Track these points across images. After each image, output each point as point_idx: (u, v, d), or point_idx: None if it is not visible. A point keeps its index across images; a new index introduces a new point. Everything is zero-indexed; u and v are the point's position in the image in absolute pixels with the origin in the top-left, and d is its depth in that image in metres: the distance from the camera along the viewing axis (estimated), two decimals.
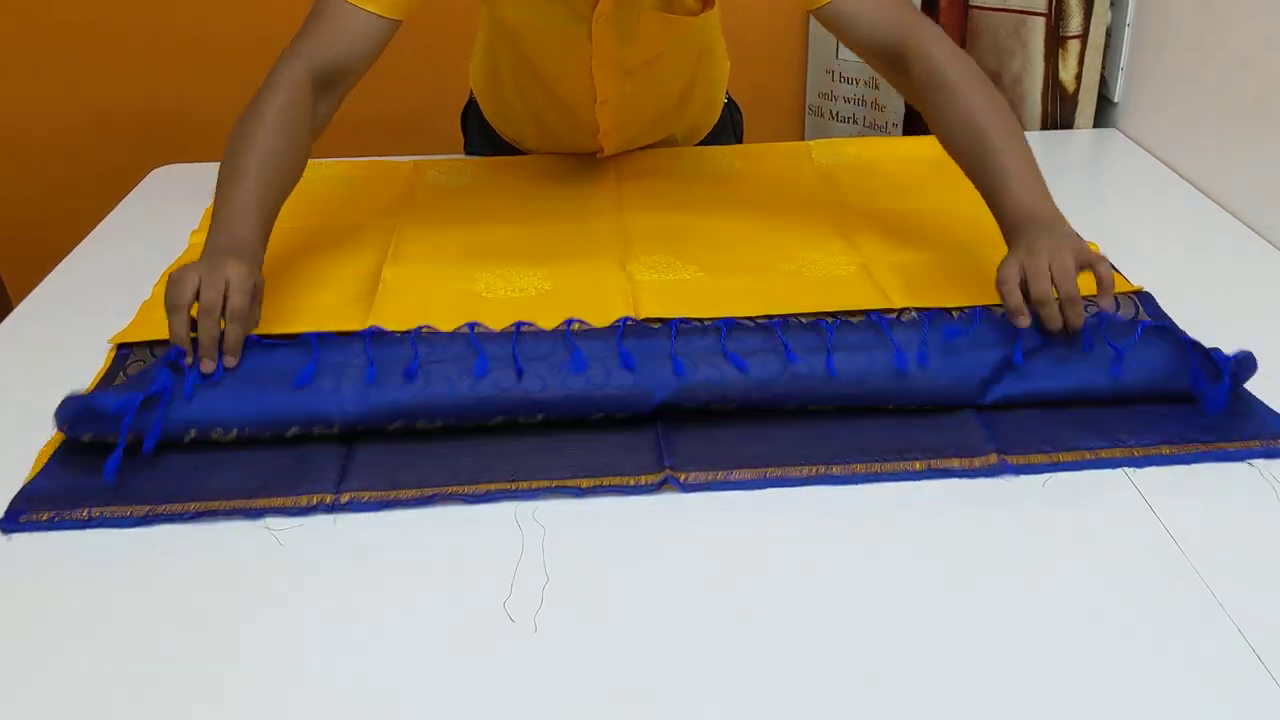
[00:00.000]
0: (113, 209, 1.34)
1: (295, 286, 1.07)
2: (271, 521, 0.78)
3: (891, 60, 1.05)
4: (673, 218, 1.22)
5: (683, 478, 0.81)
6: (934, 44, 1.02)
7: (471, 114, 1.46)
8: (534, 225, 1.21)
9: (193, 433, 0.84)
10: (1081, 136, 1.50)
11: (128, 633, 0.69)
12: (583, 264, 1.11)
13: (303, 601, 0.71)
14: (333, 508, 0.79)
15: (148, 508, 0.79)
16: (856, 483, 0.81)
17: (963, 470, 0.81)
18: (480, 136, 1.44)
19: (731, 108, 1.46)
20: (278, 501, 0.79)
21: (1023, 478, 0.81)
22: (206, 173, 1.36)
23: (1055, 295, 0.86)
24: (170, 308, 0.86)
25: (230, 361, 0.86)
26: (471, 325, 0.95)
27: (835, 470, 0.81)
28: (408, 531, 0.77)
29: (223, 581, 0.73)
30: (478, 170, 1.36)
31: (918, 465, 0.82)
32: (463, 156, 1.41)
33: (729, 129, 1.46)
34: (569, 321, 0.94)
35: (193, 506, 0.79)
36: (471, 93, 1.44)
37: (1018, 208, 0.94)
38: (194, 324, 0.86)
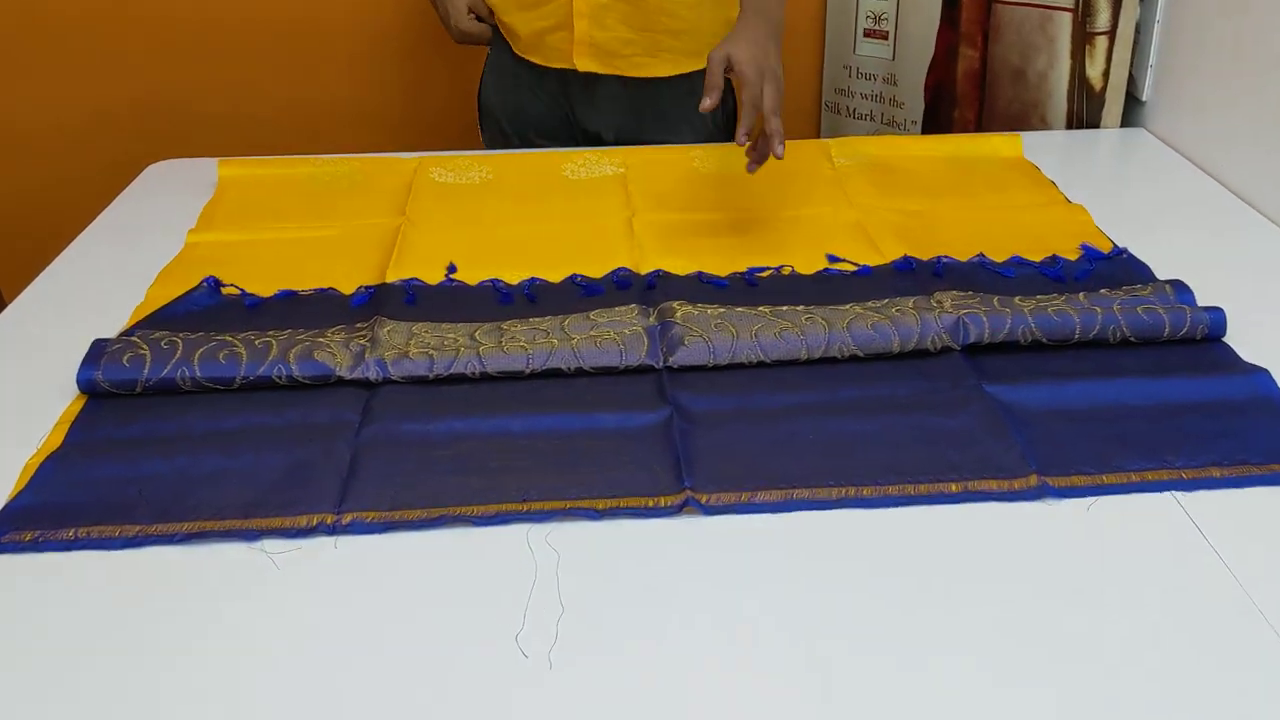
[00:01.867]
0: (107, 205, 1.29)
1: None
2: (268, 544, 0.73)
3: None
4: (685, 217, 1.18)
5: (704, 499, 0.76)
6: None
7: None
8: (541, 225, 1.17)
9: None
10: (1108, 136, 1.45)
11: (114, 663, 0.64)
12: (592, 268, 1.07)
13: (300, 633, 0.66)
14: (334, 529, 0.74)
15: (138, 528, 0.74)
16: (889, 505, 0.76)
17: (1001, 493, 0.77)
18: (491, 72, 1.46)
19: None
20: (275, 522, 0.75)
21: (1065, 501, 0.76)
22: (204, 168, 1.33)
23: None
24: None
25: None
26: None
27: (866, 492, 0.77)
28: (412, 556, 0.73)
29: (216, 608, 0.68)
30: (484, 167, 1.31)
31: (954, 487, 0.77)
32: (468, 153, 1.36)
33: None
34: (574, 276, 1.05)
35: (185, 527, 0.74)
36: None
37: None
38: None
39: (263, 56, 1.90)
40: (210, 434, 0.83)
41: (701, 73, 1.36)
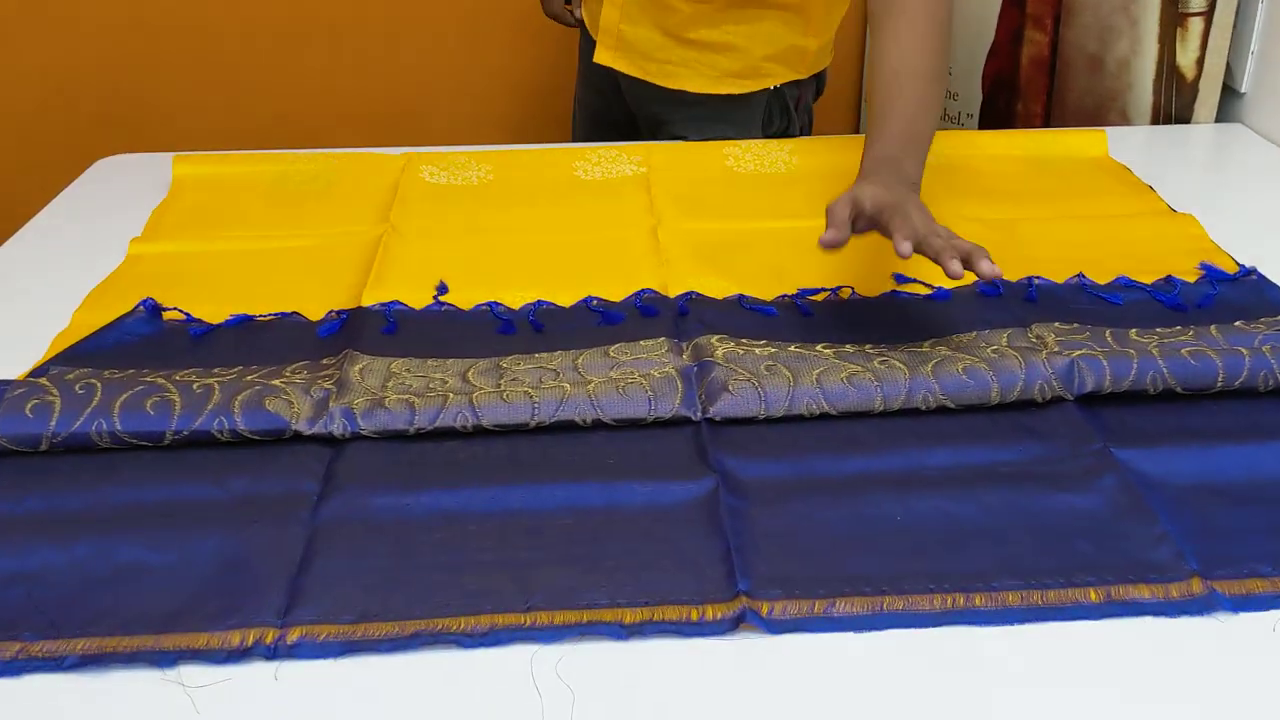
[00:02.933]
0: (45, 203, 1.11)
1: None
2: (186, 672, 0.55)
3: None
4: (720, 226, 1.00)
5: (766, 610, 0.58)
6: None
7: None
8: (549, 235, 0.98)
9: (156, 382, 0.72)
10: (1201, 132, 1.26)
11: None
12: (611, 289, 0.89)
13: None
14: (274, 650, 0.56)
15: (18, 647, 0.56)
16: (1008, 623, 0.58)
17: (1156, 603, 0.58)
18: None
19: (786, 92, 1.23)
20: (199, 640, 0.56)
21: (1242, 616, 0.58)
22: (158, 165, 1.15)
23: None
24: None
25: None
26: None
27: (979, 602, 0.58)
28: (377, 695, 0.54)
29: None
30: (483, 165, 1.13)
31: (1093, 595, 0.59)
32: (465, 148, 1.17)
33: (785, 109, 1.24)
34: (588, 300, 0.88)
35: (80, 646, 0.56)
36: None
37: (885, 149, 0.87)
38: None
39: (234, 47, 1.72)
40: (127, 511, 0.65)
41: (750, 95, 1.20)
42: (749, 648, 0.57)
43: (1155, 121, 1.30)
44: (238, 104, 1.79)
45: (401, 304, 0.87)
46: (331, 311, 0.86)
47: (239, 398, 0.71)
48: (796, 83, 1.22)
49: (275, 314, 0.86)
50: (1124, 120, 1.32)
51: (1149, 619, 0.58)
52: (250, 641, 0.56)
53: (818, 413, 0.72)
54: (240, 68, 1.77)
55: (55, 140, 1.80)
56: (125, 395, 0.71)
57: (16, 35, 1.75)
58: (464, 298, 0.88)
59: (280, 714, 0.53)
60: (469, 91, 1.52)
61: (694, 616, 0.58)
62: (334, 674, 0.55)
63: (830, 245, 0.77)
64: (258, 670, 0.55)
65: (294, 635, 0.57)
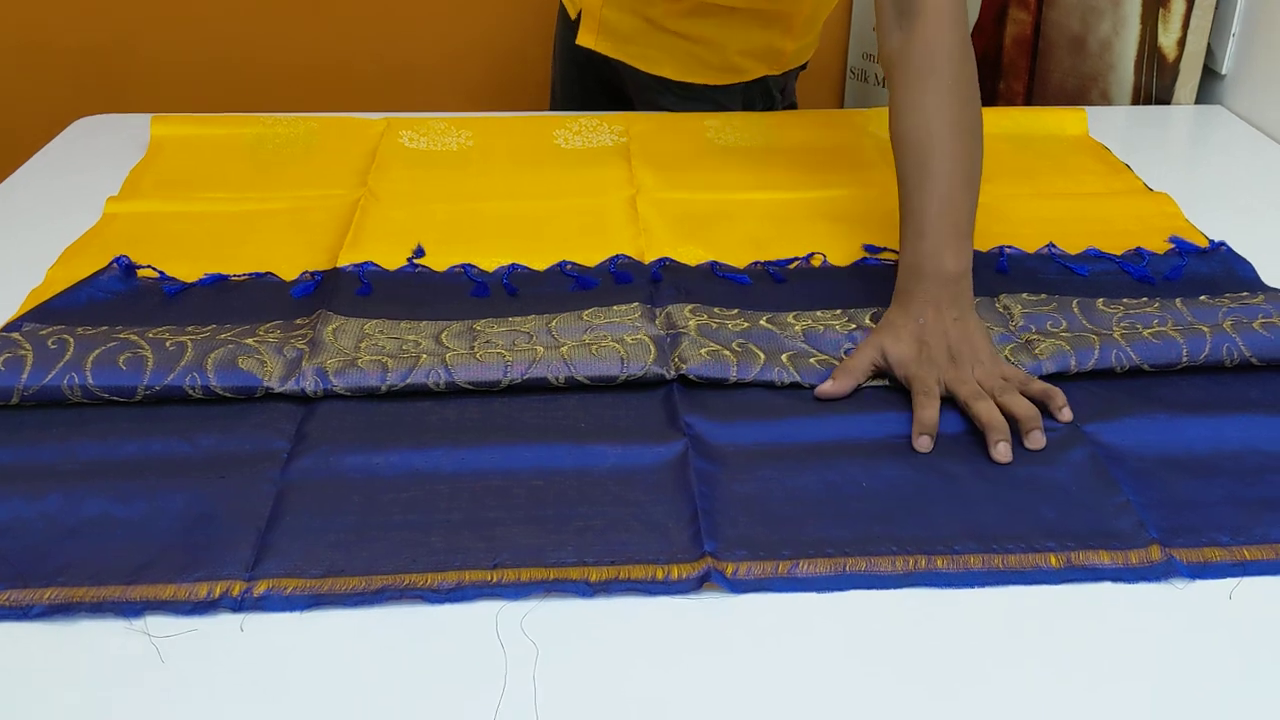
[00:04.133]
0: (22, 163, 1.10)
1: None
2: (153, 622, 0.55)
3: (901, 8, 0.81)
4: (698, 196, 1.00)
5: (730, 571, 0.58)
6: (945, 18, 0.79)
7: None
8: (526, 202, 0.98)
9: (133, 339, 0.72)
10: (1181, 113, 1.27)
11: None
12: (586, 254, 0.89)
13: None
14: (241, 603, 0.56)
15: None
16: (970, 585, 0.58)
17: (1116, 569, 0.59)
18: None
19: (770, 82, 1.23)
20: (166, 591, 0.57)
21: (1200, 583, 0.59)
22: (135, 126, 1.14)
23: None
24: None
25: None
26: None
27: (940, 564, 0.59)
28: (343, 644, 0.55)
29: (73, 718, 0.50)
30: (463, 132, 1.12)
31: (1054, 560, 0.59)
32: (446, 114, 1.17)
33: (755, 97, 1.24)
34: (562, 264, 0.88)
35: (47, 596, 0.56)
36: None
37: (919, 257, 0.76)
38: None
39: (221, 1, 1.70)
40: (97, 465, 0.65)
41: (728, 88, 1.20)
42: (713, 605, 0.57)
43: (1136, 102, 1.30)
44: (217, 67, 1.77)
45: (375, 265, 0.87)
46: (306, 272, 0.86)
47: (212, 355, 0.71)
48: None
49: (249, 274, 0.86)
50: (1105, 100, 1.33)
51: (1108, 584, 0.58)
52: (217, 594, 0.57)
53: (788, 383, 0.73)
54: (220, 30, 1.75)
55: (30, 102, 1.77)
56: (98, 350, 0.71)
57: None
58: (439, 261, 0.88)
59: (246, 665, 0.53)
60: (451, 56, 1.51)
61: (659, 575, 0.58)
62: (299, 627, 0.55)
63: (828, 397, 0.71)
64: (224, 621, 0.56)
65: (261, 588, 0.57)
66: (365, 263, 0.87)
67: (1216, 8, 1.24)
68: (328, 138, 1.11)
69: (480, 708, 0.51)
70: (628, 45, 1.19)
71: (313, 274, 0.86)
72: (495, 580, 0.58)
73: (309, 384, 0.71)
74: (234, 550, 0.59)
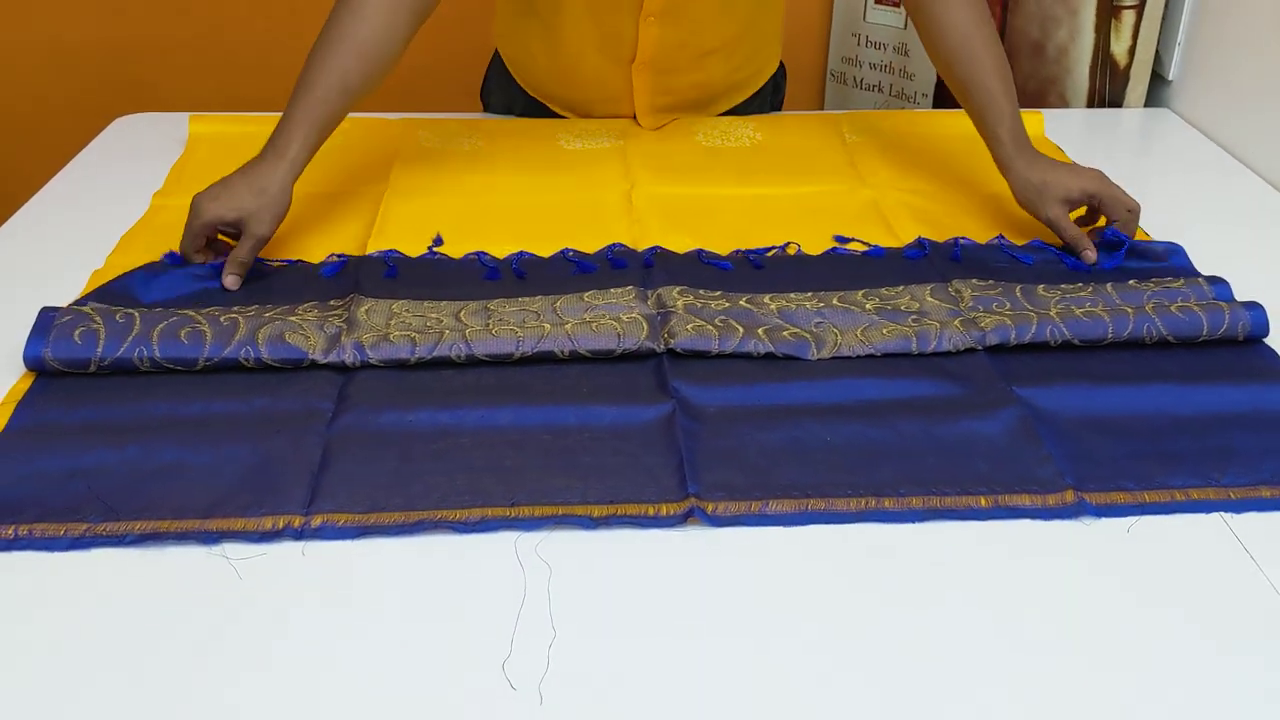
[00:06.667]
0: (68, 161, 1.20)
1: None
2: (229, 549, 0.66)
3: None
4: (687, 191, 1.11)
5: (710, 509, 0.69)
6: None
7: (493, 73, 1.34)
8: (533, 196, 1.09)
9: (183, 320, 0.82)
10: (1132, 116, 1.38)
11: (53, 676, 0.57)
12: (586, 242, 1.00)
13: (262, 654, 0.60)
14: (301, 533, 0.67)
15: (85, 526, 0.67)
16: (912, 520, 0.70)
17: (1035, 509, 0.70)
18: (501, 94, 1.32)
19: (778, 75, 1.34)
20: (237, 524, 0.68)
21: (1104, 520, 0.70)
22: (177, 123, 1.24)
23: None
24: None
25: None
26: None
27: (888, 504, 0.70)
28: (387, 566, 0.66)
29: (169, 622, 0.61)
30: (475, 134, 1.23)
31: (984, 502, 0.71)
32: (459, 116, 1.28)
33: (769, 98, 1.34)
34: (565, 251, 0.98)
35: (137, 527, 0.67)
36: (496, 53, 1.31)
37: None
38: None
39: (250, 5, 1.79)
40: (168, 421, 0.76)
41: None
42: (695, 537, 0.68)
43: (1091, 105, 1.41)
44: (242, 68, 1.85)
45: (399, 252, 0.97)
46: (332, 255, 0.97)
47: (262, 331, 0.82)
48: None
49: (284, 260, 0.97)
50: (1063, 103, 1.44)
51: (1027, 521, 0.70)
52: (281, 526, 0.67)
53: (763, 354, 0.83)
54: (250, 35, 1.83)
55: (61, 101, 1.85)
56: (161, 325, 0.82)
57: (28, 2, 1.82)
58: (455, 249, 0.99)
59: (308, 582, 0.64)
60: (461, 60, 1.59)
61: (650, 512, 0.69)
62: (352, 552, 0.66)
63: (1090, 264, 0.98)
64: (288, 548, 0.67)
65: (317, 521, 0.68)
66: (390, 250, 0.97)
67: (1164, 18, 1.35)
68: (351, 136, 1.21)
69: (504, 616, 0.62)
70: (678, 110, 1.27)
71: (338, 256, 0.96)
72: (513, 515, 0.69)
73: (348, 356, 0.81)
74: (292, 491, 0.70)
